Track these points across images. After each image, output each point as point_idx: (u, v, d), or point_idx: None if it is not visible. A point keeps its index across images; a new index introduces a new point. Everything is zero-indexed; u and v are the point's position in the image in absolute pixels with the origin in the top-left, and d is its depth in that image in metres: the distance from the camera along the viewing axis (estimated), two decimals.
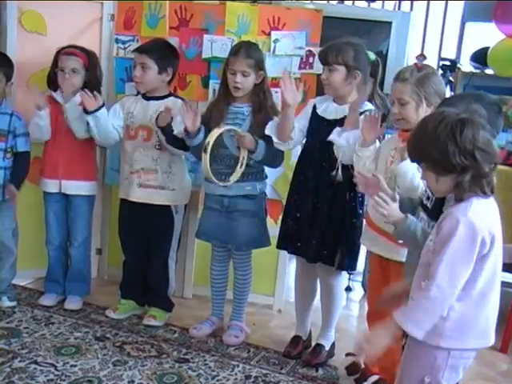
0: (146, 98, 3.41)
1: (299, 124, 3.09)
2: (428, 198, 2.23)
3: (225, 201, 3.27)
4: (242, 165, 3.18)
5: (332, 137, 2.92)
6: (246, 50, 3.19)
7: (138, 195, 3.40)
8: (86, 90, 3.32)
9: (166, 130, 3.24)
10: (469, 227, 1.89)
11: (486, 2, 4.46)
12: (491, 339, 2.08)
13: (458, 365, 2.05)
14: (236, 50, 3.22)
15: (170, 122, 3.23)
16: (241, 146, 3.16)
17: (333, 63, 2.95)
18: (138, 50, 3.37)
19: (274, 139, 3.10)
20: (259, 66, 3.19)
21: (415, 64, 2.65)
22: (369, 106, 3.02)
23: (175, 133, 3.24)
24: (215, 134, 3.07)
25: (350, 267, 3.14)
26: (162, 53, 3.35)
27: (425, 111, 2.59)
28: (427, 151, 1.94)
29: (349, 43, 2.98)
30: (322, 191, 3.03)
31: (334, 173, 2.94)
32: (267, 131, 3.11)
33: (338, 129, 2.93)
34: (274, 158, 3.23)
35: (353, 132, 2.87)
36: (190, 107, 3.17)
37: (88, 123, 3.34)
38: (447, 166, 1.91)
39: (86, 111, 3.31)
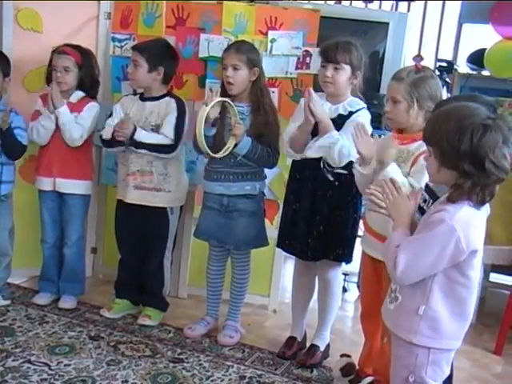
0: (143, 98, 3.41)
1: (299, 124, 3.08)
2: (425, 201, 2.22)
3: (224, 200, 3.26)
4: (225, 151, 3.15)
5: (309, 154, 2.96)
6: (237, 45, 3.23)
7: (133, 197, 3.39)
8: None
9: (130, 140, 3.26)
10: (448, 231, 1.91)
11: (482, 2, 4.46)
12: (460, 342, 2.10)
13: (439, 359, 2.07)
14: (228, 46, 3.27)
15: (131, 134, 3.25)
16: (231, 133, 3.14)
17: (341, 61, 2.95)
18: (132, 47, 3.42)
19: (294, 154, 3.08)
20: (252, 62, 3.18)
21: (415, 65, 2.65)
22: (361, 104, 3.03)
23: (139, 140, 3.26)
24: (218, 98, 3.09)
25: (349, 259, 3.15)
26: (153, 52, 3.35)
27: (416, 113, 2.59)
28: (440, 140, 1.92)
29: (351, 42, 2.99)
30: (321, 190, 3.03)
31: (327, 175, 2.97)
32: (285, 150, 3.10)
33: (311, 145, 2.95)
34: (264, 158, 3.20)
35: (322, 139, 2.90)
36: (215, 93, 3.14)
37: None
38: (453, 163, 1.91)
39: None
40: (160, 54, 3.38)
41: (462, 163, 1.89)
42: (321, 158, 2.97)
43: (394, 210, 2.08)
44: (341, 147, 2.87)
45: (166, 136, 3.28)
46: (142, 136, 3.28)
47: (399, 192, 2.08)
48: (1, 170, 3.38)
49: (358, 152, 2.67)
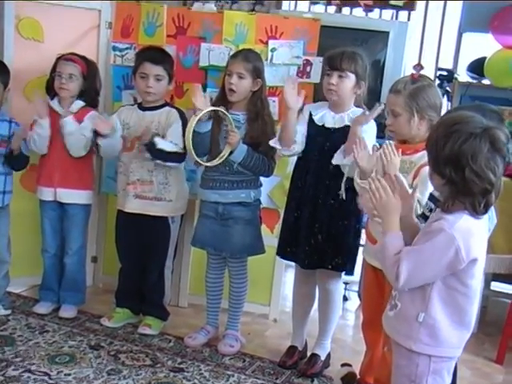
0: (142, 108, 3.41)
1: (301, 129, 3.07)
2: (430, 210, 2.22)
3: (219, 208, 3.26)
4: (220, 159, 3.16)
5: (337, 161, 2.93)
6: (245, 53, 3.23)
7: (133, 206, 3.39)
8: (98, 115, 3.32)
9: (149, 147, 3.24)
10: (448, 239, 1.90)
11: (483, 11, 4.47)
12: (460, 351, 2.10)
13: (440, 368, 2.06)
14: (236, 53, 3.29)
15: (151, 139, 3.23)
16: (226, 141, 3.15)
17: (346, 69, 2.95)
18: (152, 61, 3.31)
19: (278, 147, 3.09)
20: (257, 72, 3.19)
21: (412, 75, 2.65)
22: None
23: (160, 147, 3.24)
24: (210, 108, 3.10)
25: (351, 270, 3.14)
26: (170, 62, 3.38)
27: (417, 124, 2.59)
28: (431, 146, 1.96)
29: (357, 53, 3.01)
30: (321, 198, 3.03)
31: (340, 191, 2.95)
32: (272, 143, 3.10)
33: (341, 150, 2.92)
34: (260, 166, 3.21)
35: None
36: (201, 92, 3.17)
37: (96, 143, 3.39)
38: (439, 169, 1.93)
39: (98, 134, 3.34)
40: (172, 64, 3.40)
41: (446, 169, 1.89)
42: (324, 167, 2.98)
43: (381, 208, 2.03)
44: None
45: (175, 144, 3.28)
46: (162, 143, 3.25)
47: (385, 191, 2.02)
48: (5, 180, 3.39)
49: (358, 166, 2.68)
